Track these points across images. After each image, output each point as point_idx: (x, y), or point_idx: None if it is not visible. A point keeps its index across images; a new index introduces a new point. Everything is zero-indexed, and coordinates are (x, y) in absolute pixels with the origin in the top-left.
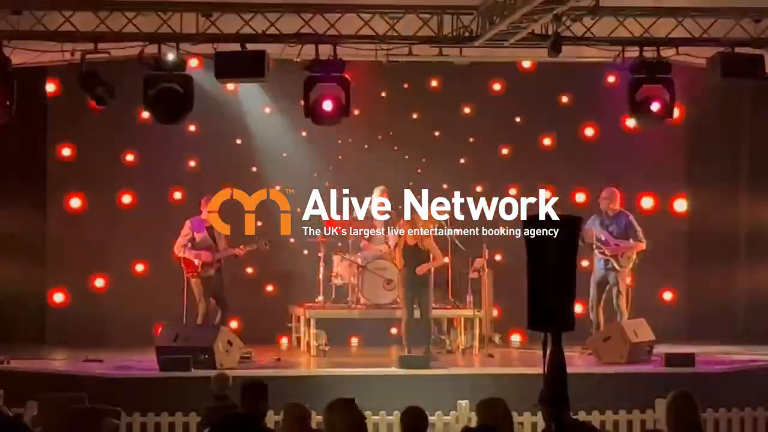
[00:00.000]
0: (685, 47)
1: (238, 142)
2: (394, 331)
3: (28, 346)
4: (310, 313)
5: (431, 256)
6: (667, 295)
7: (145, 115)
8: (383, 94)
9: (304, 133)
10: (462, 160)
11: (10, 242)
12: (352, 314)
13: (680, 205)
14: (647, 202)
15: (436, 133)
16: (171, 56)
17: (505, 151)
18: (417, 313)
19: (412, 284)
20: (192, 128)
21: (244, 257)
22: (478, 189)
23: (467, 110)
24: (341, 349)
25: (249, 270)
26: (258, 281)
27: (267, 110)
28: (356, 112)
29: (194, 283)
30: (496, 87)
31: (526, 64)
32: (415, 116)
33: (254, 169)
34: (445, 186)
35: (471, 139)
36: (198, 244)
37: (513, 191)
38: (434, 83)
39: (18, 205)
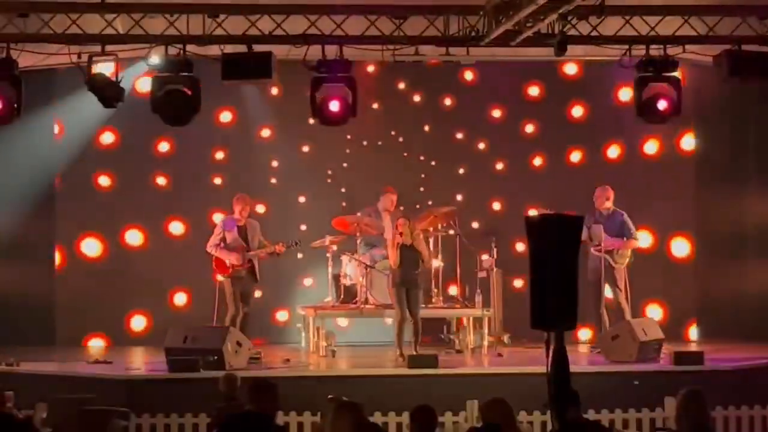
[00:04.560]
0: (691, 45)
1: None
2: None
3: (37, 348)
4: (320, 314)
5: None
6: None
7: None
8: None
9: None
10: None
11: (19, 244)
12: (361, 314)
13: (687, 203)
14: (655, 199)
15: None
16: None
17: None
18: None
19: (405, 284)
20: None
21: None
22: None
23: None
24: (350, 349)
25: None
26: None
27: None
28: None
29: (225, 283)
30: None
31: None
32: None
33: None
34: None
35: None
36: (229, 244)
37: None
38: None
39: (27, 207)
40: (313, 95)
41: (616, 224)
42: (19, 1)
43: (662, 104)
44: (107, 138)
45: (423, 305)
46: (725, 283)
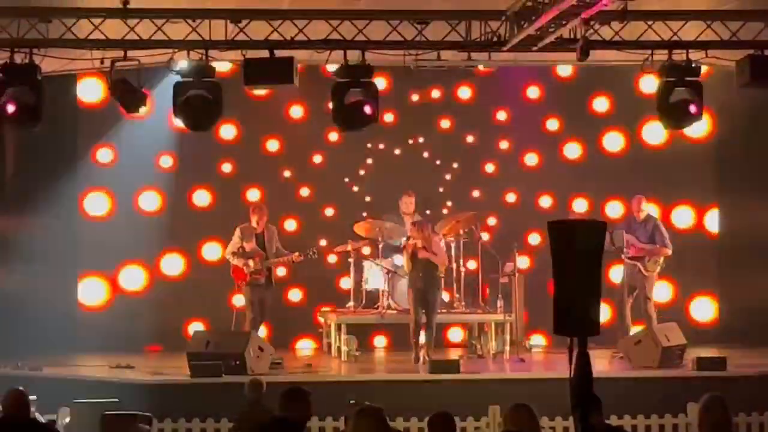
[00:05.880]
0: (714, 50)
1: (269, 147)
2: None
3: (60, 353)
4: (341, 319)
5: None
6: (700, 300)
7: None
8: (414, 99)
9: (333, 137)
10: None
11: (41, 249)
12: (383, 319)
13: (712, 209)
14: (681, 209)
15: (469, 139)
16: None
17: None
18: (425, 318)
19: (420, 288)
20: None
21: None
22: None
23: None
24: (372, 354)
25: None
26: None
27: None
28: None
29: (245, 290)
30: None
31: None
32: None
33: (287, 174)
34: (476, 194)
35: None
36: (248, 252)
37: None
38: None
39: (49, 211)
40: (335, 100)
41: (648, 231)
42: (41, 7)
43: (691, 108)
44: None
45: (444, 310)
46: (749, 289)
